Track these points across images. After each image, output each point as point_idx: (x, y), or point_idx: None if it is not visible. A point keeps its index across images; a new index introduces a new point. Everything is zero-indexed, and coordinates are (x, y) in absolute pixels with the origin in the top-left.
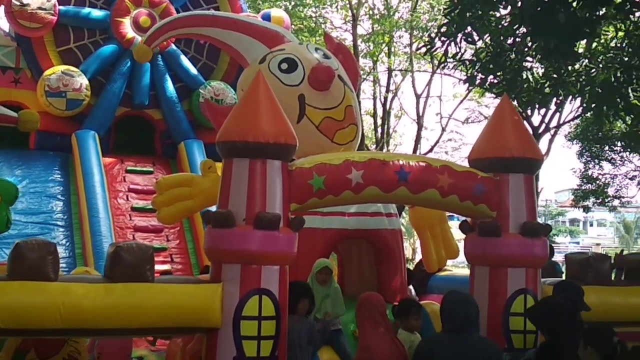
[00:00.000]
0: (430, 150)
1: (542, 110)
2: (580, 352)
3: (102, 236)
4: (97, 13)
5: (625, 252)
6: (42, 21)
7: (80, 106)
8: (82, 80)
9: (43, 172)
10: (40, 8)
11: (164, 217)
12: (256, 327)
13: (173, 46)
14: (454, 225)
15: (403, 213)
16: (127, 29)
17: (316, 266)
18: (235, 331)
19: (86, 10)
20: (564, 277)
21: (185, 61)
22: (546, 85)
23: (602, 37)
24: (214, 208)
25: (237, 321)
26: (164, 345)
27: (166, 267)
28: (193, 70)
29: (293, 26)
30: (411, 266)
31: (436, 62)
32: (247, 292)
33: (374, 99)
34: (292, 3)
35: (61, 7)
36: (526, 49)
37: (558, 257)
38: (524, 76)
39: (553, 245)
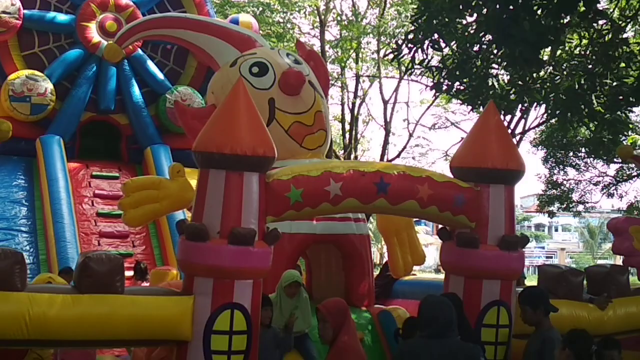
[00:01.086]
0: (398, 155)
1: (508, 117)
2: (558, 353)
3: (67, 242)
4: (62, 17)
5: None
6: (6, 25)
7: (45, 111)
8: (47, 85)
9: (7, 177)
10: (4, 12)
11: (130, 219)
12: (227, 342)
13: (140, 51)
14: (420, 230)
15: (371, 218)
16: (93, 34)
17: (285, 279)
18: (206, 345)
19: (51, 14)
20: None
21: (151, 66)
22: (511, 92)
23: (566, 44)
24: (181, 213)
25: (207, 335)
26: (124, 352)
27: (132, 273)
28: (160, 75)
29: (261, 32)
30: (377, 271)
31: (403, 68)
32: (218, 306)
33: (342, 104)
34: (260, 9)
35: (26, 11)
36: (492, 56)
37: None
38: (490, 83)
39: None
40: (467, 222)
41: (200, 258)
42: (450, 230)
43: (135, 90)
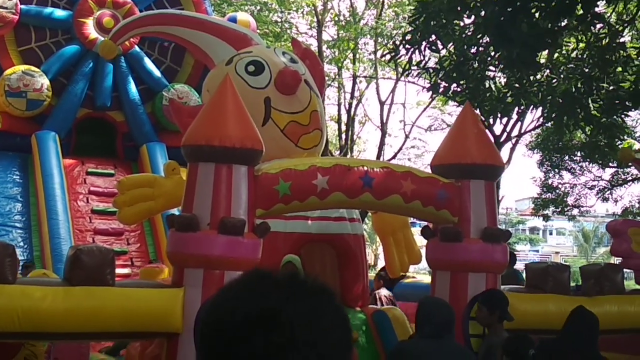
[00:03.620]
0: (394, 156)
1: (504, 119)
2: (497, 358)
3: (61, 239)
4: (59, 13)
5: (583, 261)
6: (3, 20)
7: (41, 107)
8: (43, 81)
9: (2, 172)
10: (1, 7)
11: (125, 217)
12: None
13: (136, 48)
14: (416, 231)
15: (366, 219)
16: (90, 30)
17: (283, 261)
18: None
19: (49, 10)
20: (524, 285)
21: (148, 63)
22: (508, 94)
23: (564, 48)
24: (175, 211)
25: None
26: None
27: (126, 270)
28: (156, 73)
29: (258, 30)
30: (372, 273)
31: (400, 69)
32: (209, 298)
33: (339, 105)
34: (258, 7)
35: (23, 6)
36: (489, 59)
37: (519, 265)
38: (487, 85)
39: (515, 253)
40: (450, 217)
41: (190, 248)
42: (433, 228)
43: (132, 88)
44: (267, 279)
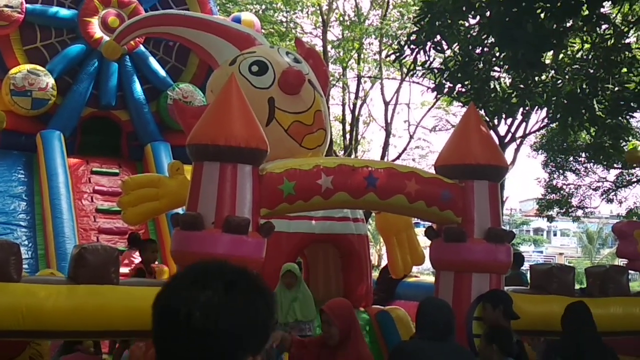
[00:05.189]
0: (398, 157)
1: (509, 120)
2: (482, 348)
3: (66, 237)
4: (64, 12)
5: (587, 262)
6: (8, 19)
7: (46, 106)
8: (48, 80)
9: (6, 171)
10: (6, 6)
11: (129, 217)
12: None
13: (142, 47)
14: (420, 232)
15: (370, 219)
16: (95, 29)
17: (282, 270)
18: None
19: (54, 9)
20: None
21: (153, 62)
22: (513, 95)
23: (569, 48)
24: (180, 210)
25: None
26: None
27: (128, 270)
28: (161, 72)
29: (263, 30)
30: (376, 273)
31: (405, 69)
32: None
33: (343, 105)
34: (263, 7)
35: (28, 6)
36: (494, 59)
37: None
38: (492, 86)
39: (522, 254)
40: (454, 218)
41: (194, 247)
42: (437, 229)
43: (137, 87)
44: (196, 274)
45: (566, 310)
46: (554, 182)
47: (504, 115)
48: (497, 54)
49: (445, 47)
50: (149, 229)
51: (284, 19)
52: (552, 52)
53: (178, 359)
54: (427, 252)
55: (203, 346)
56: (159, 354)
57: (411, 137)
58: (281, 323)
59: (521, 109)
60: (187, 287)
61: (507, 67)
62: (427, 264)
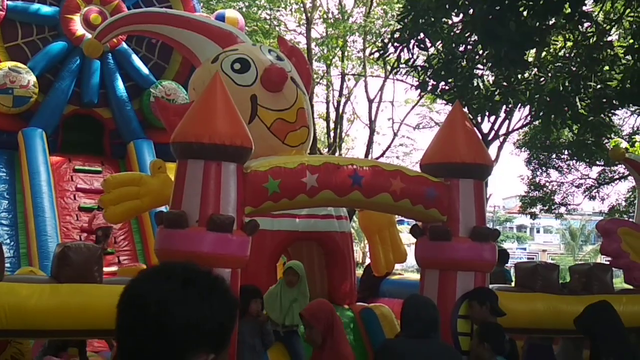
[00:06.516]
0: (382, 154)
1: (492, 118)
2: (475, 346)
3: (48, 236)
4: (46, 9)
5: (570, 259)
6: None
7: (28, 103)
8: (30, 77)
9: None
10: None
11: (111, 215)
12: None
13: (124, 45)
14: (403, 229)
15: (353, 217)
16: (77, 26)
17: (285, 266)
18: None
19: (35, 6)
20: (513, 284)
21: (136, 60)
22: (496, 92)
23: (552, 46)
24: (164, 209)
25: None
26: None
27: (114, 269)
28: (144, 70)
29: (247, 28)
30: (360, 270)
31: (389, 67)
32: None
33: (327, 102)
34: (246, 4)
35: (9, 2)
36: (477, 57)
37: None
38: (475, 83)
39: (507, 251)
40: (439, 216)
41: (179, 245)
42: (422, 227)
43: (119, 84)
44: (158, 271)
45: (597, 311)
46: (537, 179)
47: (487, 113)
48: (480, 52)
49: (428, 44)
50: (132, 227)
51: (267, 17)
52: (534, 50)
53: (134, 350)
54: (410, 250)
55: (156, 338)
56: (119, 346)
57: (395, 134)
58: (279, 324)
59: (504, 107)
60: (148, 281)
61: (490, 64)
62: (411, 261)
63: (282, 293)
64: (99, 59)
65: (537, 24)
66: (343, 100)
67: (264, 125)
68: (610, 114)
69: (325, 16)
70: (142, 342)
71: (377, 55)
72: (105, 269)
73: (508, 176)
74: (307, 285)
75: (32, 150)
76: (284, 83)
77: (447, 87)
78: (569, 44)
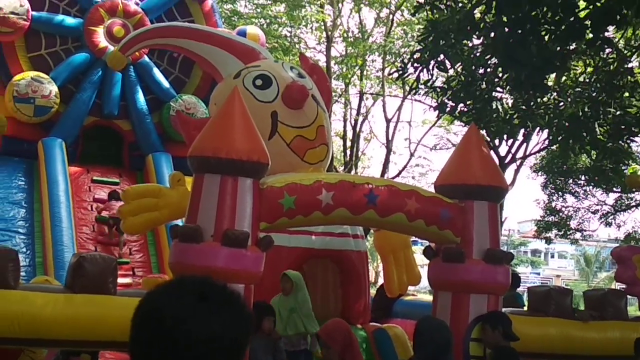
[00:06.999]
0: (398, 174)
1: (510, 141)
2: None
3: (64, 246)
4: (70, 21)
5: (584, 285)
6: (14, 26)
7: (49, 113)
8: (52, 88)
9: (7, 178)
10: (12, 12)
11: (129, 226)
12: None
13: (146, 58)
14: (418, 250)
15: (368, 236)
16: (100, 38)
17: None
18: None
19: (60, 17)
20: (525, 309)
21: (157, 73)
22: (515, 116)
23: (572, 71)
24: (180, 222)
25: None
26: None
27: (128, 280)
28: (165, 83)
29: (267, 44)
30: (373, 290)
31: (407, 87)
32: None
33: (345, 121)
34: (268, 21)
35: (34, 13)
36: (497, 80)
37: (521, 287)
38: (494, 106)
39: (519, 275)
40: (453, 237)
41: (193, 259)
42: (435, 248)
43: (140, 97)
44: (175, 285)
45: None
46: (553, 204)
47: (505, 136)
48: (500, 75)
49: (448, 66)
50: (148, 240)
51: (288, 34)
52: (555, 74)
53: None
54: (423, 272)
55: (171, 353)
56: (132, 359)
57: (412, 154)
58: (282, 335)
59: (522, 130)
60: (164, 294)
61: (509, 88)
62: (424, 282)
63: (280, 303)
64: (121, 71)
65: (558, 48)
66: (360, 119)
67: (283, 141)
68: (629, 141)
69: (345, 35)
70: (157, 356)
71: (396, 75)
72: (120, 280)
73: (524, 200)
74: (307, 294)
75: (51, 160)
76: (305, 100)
77: (465, 109)
78: (590, 69)
